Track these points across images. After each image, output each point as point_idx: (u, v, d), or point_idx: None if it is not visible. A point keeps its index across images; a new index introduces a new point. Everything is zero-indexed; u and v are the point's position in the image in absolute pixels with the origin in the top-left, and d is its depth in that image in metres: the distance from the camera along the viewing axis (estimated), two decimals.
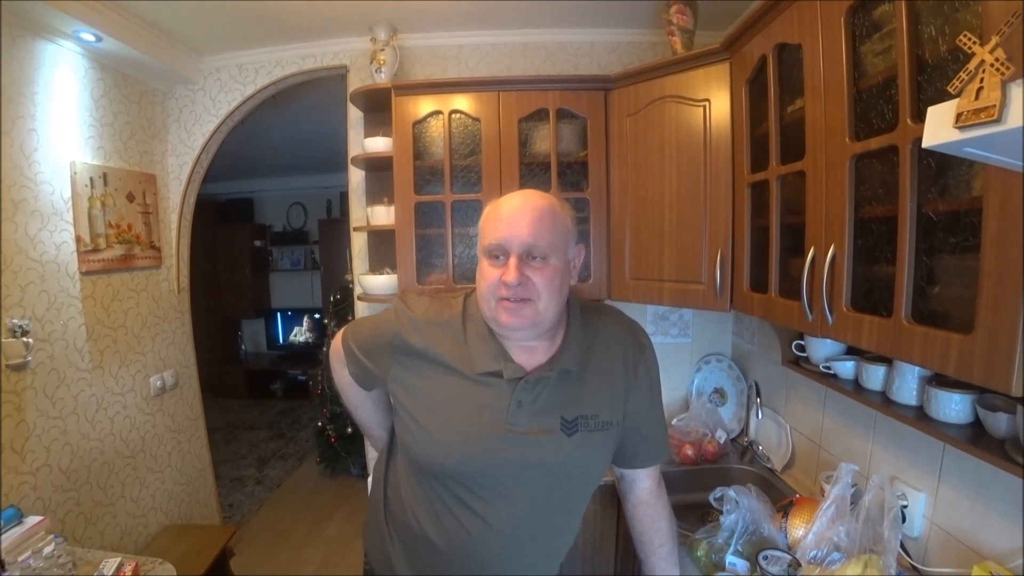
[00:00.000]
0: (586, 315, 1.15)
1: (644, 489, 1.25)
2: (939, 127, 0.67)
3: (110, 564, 1.55)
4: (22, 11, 1.86)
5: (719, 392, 2.42)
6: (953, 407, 1.15)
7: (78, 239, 2.17)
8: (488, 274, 1.03)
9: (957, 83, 0.65)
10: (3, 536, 1.48)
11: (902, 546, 1.34)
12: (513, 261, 1.00)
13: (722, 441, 2.13)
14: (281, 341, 6.84)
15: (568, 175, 2.14)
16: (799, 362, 1.71)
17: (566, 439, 1.05)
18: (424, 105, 2.07)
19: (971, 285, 0.87)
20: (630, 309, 2.07)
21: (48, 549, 1.52)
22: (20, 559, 1.47)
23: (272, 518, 3.70)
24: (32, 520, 1.58)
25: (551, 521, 1.11)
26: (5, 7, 1.78)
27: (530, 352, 1.08)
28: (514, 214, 1.03)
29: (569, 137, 2.13)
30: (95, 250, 2.25)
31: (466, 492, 1.06)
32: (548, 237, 1.02)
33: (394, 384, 1.13)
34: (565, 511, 1.14)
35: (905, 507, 1.36)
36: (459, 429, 1.05)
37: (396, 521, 1.17)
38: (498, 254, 1.02)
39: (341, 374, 1.27)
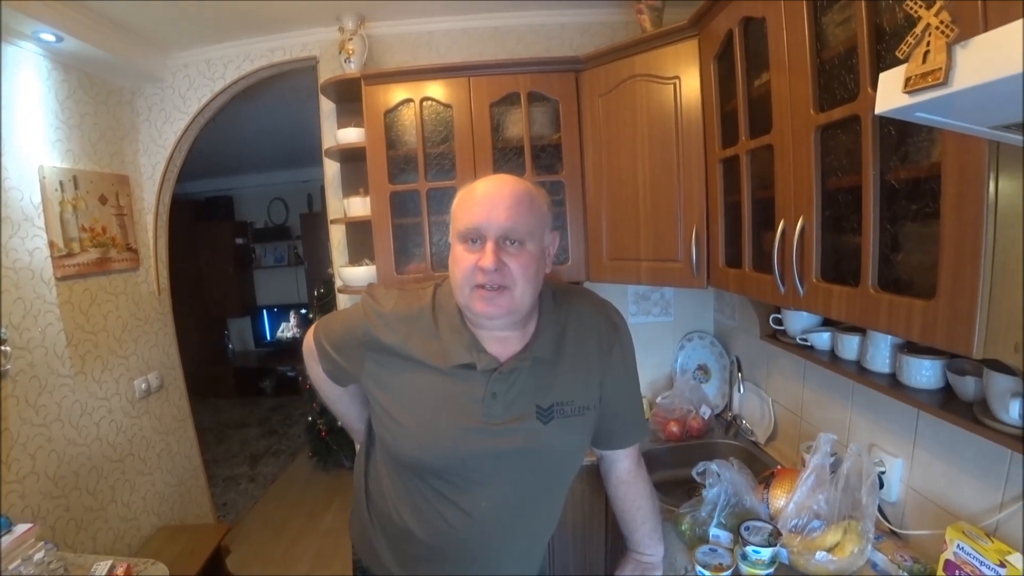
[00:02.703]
0: (558, 300, 1.14)
1: (624, 469, 1.26)
2: (890, 93, 0.66)
3: (101, 567, 1.55)
4: None
5: (703, 369, 2.44)
6: (924, 373, 1.16)
7: (51, 244, 2.13)
8: (462, 259, 0.99)
9: (905, 48, 0.64)
10: None
11: (880, 511, 1.36)
12: (490, 245, 0.96)
13: (706, 417, 2.14)
14: (268, 338, 6.80)
15: (542, 158, 2.13)
16: (777, 336, 1.72)
17: (542, 427, 1.05)
18: (395, 94, 2.05)
19: (932, 251, 0.88)
20: (610, 290, 2.08)
21: (39, 556, 1.51)
22: (11, 567, 1.46)
23: (267, 514, 3.71)
24: (21, 528, 1.56)
25: (532, 507, 1.12)
26: None
27: (503, 342, 1.07)
28: (491, 198, 0.99)
29: (542, 120, 2.11)
30: (69, 255, 2.22)
31: (445, 485, 1.06)
32: (526, 222, 0.99)
33: (368, 381, 1.12)
34: (545, 497, 1.14)
35: (883, 473, 1.38)
36: (435, 424, 1.04)
37: (379, 514, 1.17)
38: (474, 238, 0.99)
39: (315, 371, 1.25)
